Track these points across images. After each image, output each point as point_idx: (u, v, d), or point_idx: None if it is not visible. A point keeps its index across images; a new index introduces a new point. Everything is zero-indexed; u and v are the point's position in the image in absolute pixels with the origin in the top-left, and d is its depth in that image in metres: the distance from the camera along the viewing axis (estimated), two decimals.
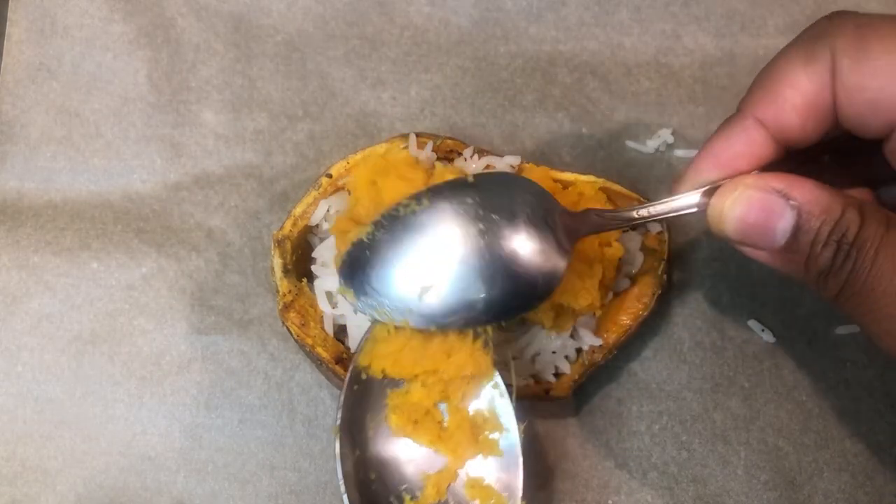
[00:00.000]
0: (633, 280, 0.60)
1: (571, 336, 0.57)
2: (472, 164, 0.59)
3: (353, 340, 0.56)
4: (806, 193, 0.44)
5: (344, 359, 0.56)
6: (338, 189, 0.59)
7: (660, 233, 0.61)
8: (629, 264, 0.60)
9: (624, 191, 0.60)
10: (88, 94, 0.66)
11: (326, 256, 0.58)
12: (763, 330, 0.62)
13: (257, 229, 0.65)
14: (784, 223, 0.44)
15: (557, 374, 0.57)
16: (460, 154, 0.60)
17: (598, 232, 0.51)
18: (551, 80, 0.68)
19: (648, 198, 0.64)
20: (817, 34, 0.46)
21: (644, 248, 0.61)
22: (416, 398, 0.49)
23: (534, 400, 0.57)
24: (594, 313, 0.57)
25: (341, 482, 0.48)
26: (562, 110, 0.67)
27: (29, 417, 0.61)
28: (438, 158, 0.60)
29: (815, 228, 0.44)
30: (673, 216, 0.50)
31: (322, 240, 0.59)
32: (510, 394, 0.50)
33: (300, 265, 0.58)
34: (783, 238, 0.45)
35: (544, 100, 0.68)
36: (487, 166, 0.59)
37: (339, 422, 0.49)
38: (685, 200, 0.49)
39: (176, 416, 0.61)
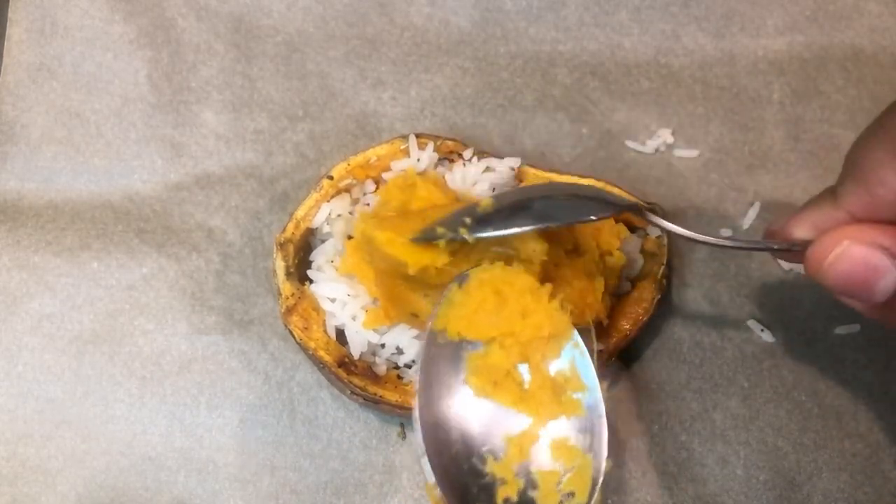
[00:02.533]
0: (634, 283, 0.60)
1: None
2: (472, 168, 0.59)
3: (352, 346, 0.56)
4: None
5: (346, 362, 0.56)
6: (339, 191, 0.59)
7: (659, 237, 0.61)
8: (629, 267, 0.60)
9: (624, 193, 0.60)
10: (89, 94, 0.66)
11: (323, 260, 0.58)
12: (763, 330, 0.62)
13: (258, 229, 0.65)
14: (886, 282, 0.43)
15: None
16: (461, 155, 0.60)
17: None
18: (551, 80, 0.68)
19: (648, 198, 0.64)
20: None
21: (644, 252, 0.61)
22: (495, 360, 0.49)
23: None
24: (602, 322, 0.57)
25: (422, 446, 0.47)
26: (562, 110, 0.67)
27: (29, 417, 0.61)
28: (439, 159, 0.60)
29: None
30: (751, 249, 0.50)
31: (323, 241, 0.59)
32: (591, 354, 0.50)
33: (302, 267, 0.58)
34: (884, 296, 0.43)
35: (544, 100, 0.68)
36: (487, 168, 0.59)
37: (418, 385, 0.48)
38: (769, 243, 0.49)
39: (176, 416, 0.61)
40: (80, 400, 0.61)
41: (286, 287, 0.57)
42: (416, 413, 0.48)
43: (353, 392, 0.56)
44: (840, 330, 0.63)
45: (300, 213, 0.58)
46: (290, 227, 0.58)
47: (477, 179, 0.59)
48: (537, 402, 0.49)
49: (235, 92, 0.67)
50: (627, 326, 0.59)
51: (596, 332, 0.58)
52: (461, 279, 0.50)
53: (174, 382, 0.61)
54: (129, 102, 0.66)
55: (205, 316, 0.63)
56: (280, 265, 0.57)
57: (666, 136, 0.66)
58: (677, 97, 0.68)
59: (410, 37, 0.69)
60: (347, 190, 0.59)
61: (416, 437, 0.48)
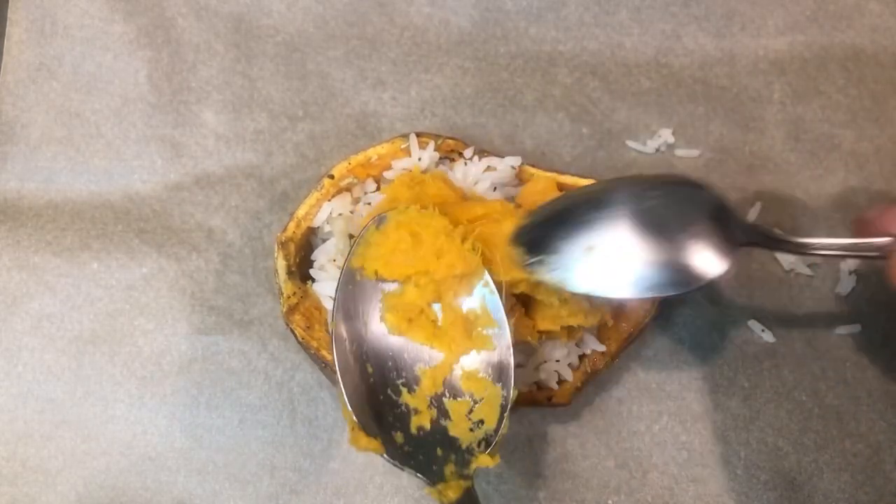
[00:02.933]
0: None
1: (576, 343, 0.57)
2: (473, 167, 0.59)
3: None
4: None
5: None
6: (340, 190, 0.59)
7: None
8: None
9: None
10: (89, 94, 0.66)
11: (324, 259, 0.58)
12: (763, 330, 0.62)
13: (258, 229, 0.65)
14: None
15: (560, 382, 0.57)
16: (461, 154, 0.60)
17: (758, 247, 0.52)
18: (551, 80, 0.68)
19: None
20: None
21: None
22: (409, 298, 0.51)
23: (535, 406, 0.57)
24: (607, 323, 0.57)
25: (337, 377, 0.49)
26: (562, 110, 0.67)
27: (29, 417, 0.61)
28: (440, 158, 0.60)
29: None
30: (837, 256, 0.51)
31: (324, 241, 0.59)
32: (499, 291, 0.51)
33: (303, 267, 0.58)
34: None
35: (544, 100, 0.68)
36: (488, 167, 0.59)
37: (332, 318, 0.51)
38: (859, 245, 0.50)
39: (176, 416, 0.61)
40: (80, 400, 0.61)
41: (288, 286, 0.57)
42: (332, 346, 0.50)
43: None
44: (840, 330, 0.63)
45: (301, 212, 0.58)
46: (291, 226, 0.58)
47: (478, 178, 0.59)
48: (450, 338, 0.51)
49: (235, 92, 0.67)
50: (629, 329, 0.59)
51: (598, 333, 0.58)
52: (379, 220, 0.52)
53: (174, 382, 0.61)
54: (129, 102, 0.66)
55: (205, 316, 0.63)
56: (281, 264, 0.57)
57: (667, 135, 0.66)
58: (678, 97, 0.68)
59: (410, 37, 0.69)
60: (348, 189, 0.59)
61: (335, 366, 0.50)
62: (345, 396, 0.49)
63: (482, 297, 0.51)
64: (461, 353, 0.51)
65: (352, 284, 0.52)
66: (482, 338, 0.51)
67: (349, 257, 0.52)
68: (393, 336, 0.51)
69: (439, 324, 0.51)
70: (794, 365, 0.62)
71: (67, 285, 0.63)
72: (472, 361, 0.51)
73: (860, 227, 0.52)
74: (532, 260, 0.51)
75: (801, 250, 0.51)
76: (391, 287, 0.51)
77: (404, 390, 0.51)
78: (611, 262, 0.49)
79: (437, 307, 0.51)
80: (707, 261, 0.49)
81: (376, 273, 0.51)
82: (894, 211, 0.50)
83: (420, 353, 0.51)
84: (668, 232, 0.49)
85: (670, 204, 0.50)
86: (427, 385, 0.51)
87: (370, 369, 0.51)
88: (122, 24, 0.67)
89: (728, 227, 0.50)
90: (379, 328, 0.51)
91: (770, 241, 0.52)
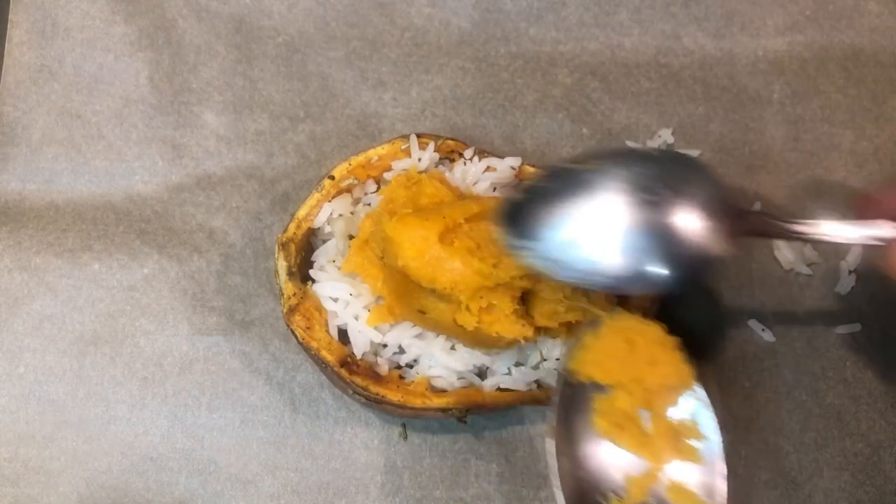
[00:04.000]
0: None
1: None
2: (473, 167, 0.59)
3: (355, 347, 0.56)
4: None
5: (348, 362, 0.56)
6: (340, 191, 0.59)
7: None
8: None
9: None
10: (90, 95, 0.67)
11: (325, 260, 0.58)
12: (763, 330, 0.63)
13: (259, 230, 0.65)
14: None
15: None
16: (461, 155, 0.60)
17: (758, 236, 0.51)
18: (551, 80, 0.68)
19: None
20: None
21: None
22: (620, 404, 0.50)
23: (535, 405, 0.57)
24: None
25: (555, 479, 0.49)
26: (562, 111, 0.68)
27: (31, 418, 0.61)
28: (440, 159, 0.60)
29: None
30: (837, 242, 0.50)
31: (324, 241, 0.59)
32: (714, 405, 0.51)
33: (304, 267, 0.58)
34: None
35: (544, 100, 0.68)
36: (488, 168, 0.59)
37: (554, 423, 0.50)
38: (861, 231, 0.49)
39: (178, 417, 0.61)
40: (81, 401, 0.61)
41: (288, 287, 0.57)
42: (551, 449, 0.49)
43: (354, 392, 0.56)
44: (840, 330, 0.63)
45: (302, 213, 0.58)
46: (292, 226, 0.58)
47: (478, 178, 0.59)
48: (657, 447, 0.50)
49: (236, 93, 0.67)
50: None
51: None
52: (594, 324, 0.52)
53: (175, 383, 0.61)
54: (130, 103, 0.67)
55: (206, 317, 0.63)
56: (282, 265, 0.57)
57: (666, 135, 0.67)
58: (678, 97, 0.68)
59: (411, 37, 0.69)
60: (349, 190, 0.59)
61: (551, 470, 0.49)
62: (561, 499, 0.48)
63: (692, 409, 0.51)
64: (668, 462, 0.50)
65: (567, 387, 0.51)
66: (689, 449, 0.50)
67: (565, 359, 0.52)
68: (602, 441, 0.50)
69: (648, 432, 0.50)
70: (794, 365, 0.62)
71: (69, 286, 0.63)
72: (680, 472, 0.50)
73: (862, 207, 0.51)
74: (517, 244, 0.50)
75: (802, 236, 0.50)
76: (604, 392, 0.51)
77: (613, 496, 0.50)
78: (599, 255, 0.48)
79: (646, 415, 0.51)
80: (702, 254, 0.48)
81: (589, 377, 0.51)
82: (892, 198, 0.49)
83: (629, 460, 0.50)
84: (660, 221, 0.48)
85: (664, 186, 0.49)
86: (635, 493, 0.50)
87: (581, 474, 0.50)
88: (123, 25, 0.67)
89: (728, 215, 0.49)
90: (590, 433, 0.51)
91: (769, 227, 0.50)
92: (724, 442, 0.50)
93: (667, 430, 0.50)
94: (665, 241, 0.48)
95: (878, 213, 0.49)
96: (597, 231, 0.49)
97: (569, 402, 0.51)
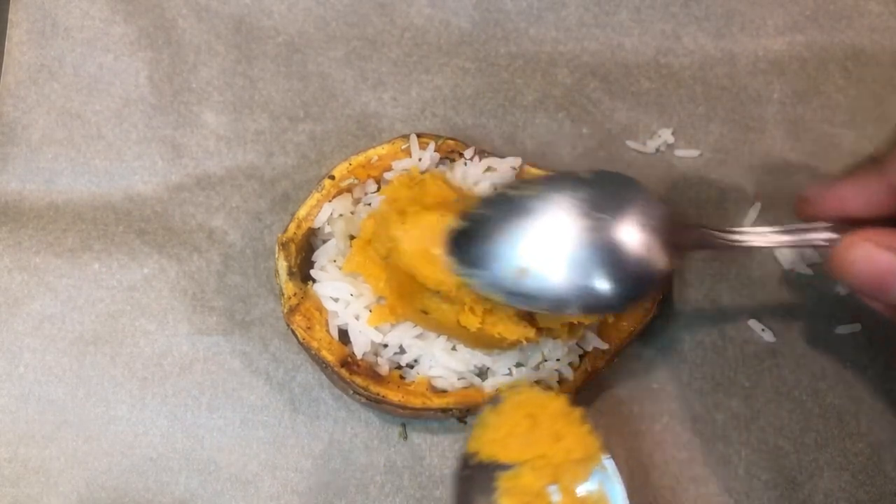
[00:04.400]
0: None
1: (577, 343, 0.57)
2: (473, 167, 0.59)
3: (355, 347, 0.56)
4: None
5: (349, 362, 0.56)
6: (341, 191, 0.59)
7: None
8: None
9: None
10: (90, 95, 0.66)
11: (325, 260, 0.58)
12: (763, 330, 0.63)
13: (259, 230, 0.65)
14: None
15: (560, 381, 0.57)
16: (461, 155, 0.60)
17: (701, 249, 0.52)
18: (551, 80, 0.68)
19: None
20: None
21: None
22: (526, 481, 0.50)
23: None
24: (608, 320, 0.57)
25: None
26: (562, 111, 0.68)
27: (31, 418, 0.61)
28: (440, 159, 0.60)
29: None
30: (783, 246, 0.50)
31: (325, 241, 0.59)
32: (619, 477, 0.51)
33: (304, 267, 0.58)
34: None
35: (544, 100, 0.68)
36: (488, 168, 0.59)
37: None
38: (799, 236, 0.50)
39: (178, 417, 0.61)
40: (81, 401, 0.61)
41: (288, 287, 0.57)
42: None
43: (355, 392, 0.56)
44: (841, 330, 0.63)
45: (302, 212, 0.58)
46: (292, 226, 0.58)
47: (478, 179, 0.59)
48: None
49: (236, 93, 0.67)
50: (630, 327, 0.59)
51: (599, 331, 0.58)
52: (495, 402, 0.52)
53: (175, 383, 0.61)
54: (130, 103, 0.67)
55: (206, 317, 0.63)
56: (282, 265, 0.57)
57: (666, 136, 0.67)
58: (678, 97, 0.68)
59: (411, 37, 0.69)
60: (349, 190, 0.59)
61: None
62: None
63: (600, 482, 0.51)
64: None
65: (467, 469, 0.51)
66: None
67: (466, 441, 0.52)
68: None
69: None
70: (794, 365, 0.62)
71: (69, 286, 0.63)
72: None
73: (801, 208, 0.51)
74: (464, 272, 0.50)
75: (741, 244, 0.50)
76: (507, 471, 0.51)
77: None
78: (545, 279, 0.48)
79: (553, 490, 0.51)
80: (647, 273, 0.48)
81: (492, 457, 0.51)
82: (836, 190, 0.50)
83: None
84: (603, 242, 0.48)
85: (603, 208, 0.49)
86: None
87: None
88: (123, 25, 0.67)
89: (669, 232, 0.49)
90: None
91: (709, 238, 0.50)
92: None
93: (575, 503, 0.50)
94: (609, 261, 0.48)
95: (817, 214, 0.50)
96: (541, 256, 0.48)
97: (469, 486, 0.51)
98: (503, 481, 0.51)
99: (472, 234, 0.50)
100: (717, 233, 0.50)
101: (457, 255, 0.50)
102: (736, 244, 0.50)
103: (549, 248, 0.48)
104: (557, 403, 0.52)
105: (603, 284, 0.48)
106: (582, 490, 0.51)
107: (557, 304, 0.49)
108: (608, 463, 0.51)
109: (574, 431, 0.51)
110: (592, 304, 0.49)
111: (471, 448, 0.52)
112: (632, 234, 0.48)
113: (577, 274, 0.48)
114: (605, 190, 0.49)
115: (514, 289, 0.49)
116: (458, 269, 0.50)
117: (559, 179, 0.51)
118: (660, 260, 0.48)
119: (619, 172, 0.52)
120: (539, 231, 0.49)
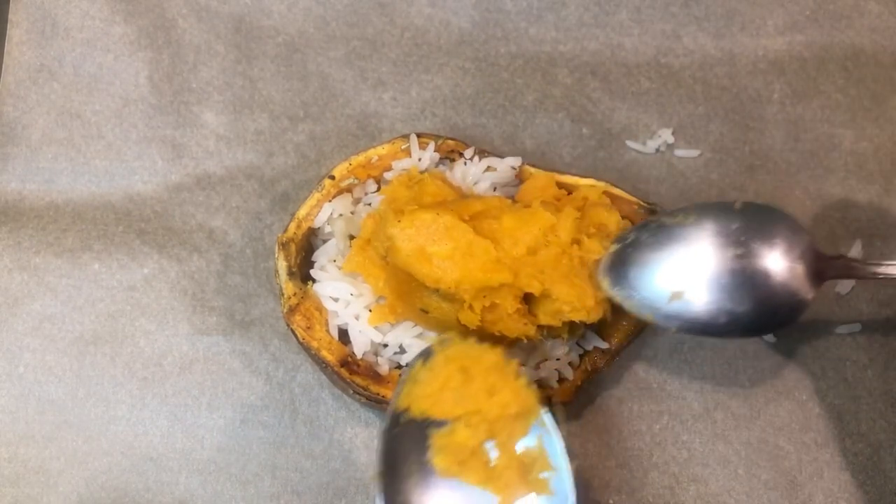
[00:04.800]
0: None
1: (577, 342, 0.57)
2: (473, 167, 0.59)
3: (354, 345, 0.56)
4: None
5: (348, 362, 0.56)
6: (341, 191, 0.59)
7: None
8: None
9: (625, 195, 0.60)
10: (90, 95, 0.66)
11: (325, 260, 0.58)
12: None
13: (259, 230, 0.65)
14: None
15: (560, 380, 0.57)
16: (461, 155, 0.60)
17: (843, 278, 0.53)
18: (551, 80, 0.68)
19: (649, 198, 0.64)
20: None
21: None
22: (461, 438, 0.48)
23: None
24: (606, 319, 0.57)
25: None
26: (562, 111, 0.68)
27: (31, 418, 0.61)
28: (440, 159, 0.60)
29: None
30: None
31: (325, 241, 0.59)
32: (559, 431, 0.50)
33: (304, 267, 0.58)
34: None
35: (545, 100, 0.68)
36: (488, 168, 0.59)
37: (379, 467, 0.48)
38: None
39: (178, 417, 0.61)
40: (81, 401, 0.61)
41: (288, 287, 0.57)
42: (378, 497, 0.47)
43: (355, 392, 0.56)
44: (841, 330, 0.63)
45: (302, 212, 0.58)
46: (292, 226, 0.58)
47: (478, 178, 0.59)
48: (504, 481, 0.48)
49: (236, 93, 0.67)
50: (629, 326, 0.59)
51: (600, 330, 0.58)
52: (425, 355, 0.51)
53: (175, 383, 0.61)
54: (130, 103, 0.67)
55: (206, 317, 0.63)
56: (282, 265, 0.57)
57: (666, 135, 0.67)
58: (678, 97, 0.68)
59: (411, 37, 0.69)
60: (349, 189, 0.59)
61: None
62: None
63: (539, 437, 0.49)
64: (517, 497, 0.48)
65: (396, 427, 0.49)
66: (539, 482, 0.48)
67: (395, 398, 0.50)
68: (443, 480, 0.48)
69: (493, 465, 0.49)
70: (795, 365, 0.62)
71: (69, 286, 0.63)
72: None
73: None
74: (620, 292, 0.52)
75: (881, 275, 0.52)
76: (440, 427, 0.49)
77: None
78: (697, 307, 0.51)
79: (490, 447, 0.49)
80: (792, 301, 0.51)
81: (424, 413, 0.49)
82: None
83: (473, 498, 0.48)
84: (750, 270, 0.51)
85: (751, 238, 0.51)
86: None
87: None
88: (123, 25, 0.67)
89: (813, 261, 0.51)
90: (428, 473, 0.48)
91: (853, 269, 0.52)
92: (572, 470, 0.49)
93: (513, 461, 0.49)
94: (756, 289, 0.51)
95: None
96: (694, 282, 0.51)
97: (398, 444, 0.48)
98: (436, 439, 0.48)
99: (627, 257, 0.53)
100: (859, 264, 0.52)
101: (612, 276, 0.53)
102: (879, 276, 0.52)
103: (702, 275, 0.51)
104: (491, 356, 0.50)
105: (751, 311, 0.51)
106: (520, 446, 0.49)
107: (707, 327, 0.51)
108: (546, 418, 0.50)
109: (510, 385, 0.49)
110: (741, 329, 0.51)
111: (400, 404, 0.49)
112: (779, 263, 0.51)
113: (728, 299, 0.51)
114: (753, 220, 0.52)
115: (668, 310, 0.51)
116: (614, 289, 0.52)
117: (711, 209, 0.53)
118: (804, 288, 0.51)
119: (767, 204, 0.55)
120: (693, 258, 0.52)
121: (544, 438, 0.49)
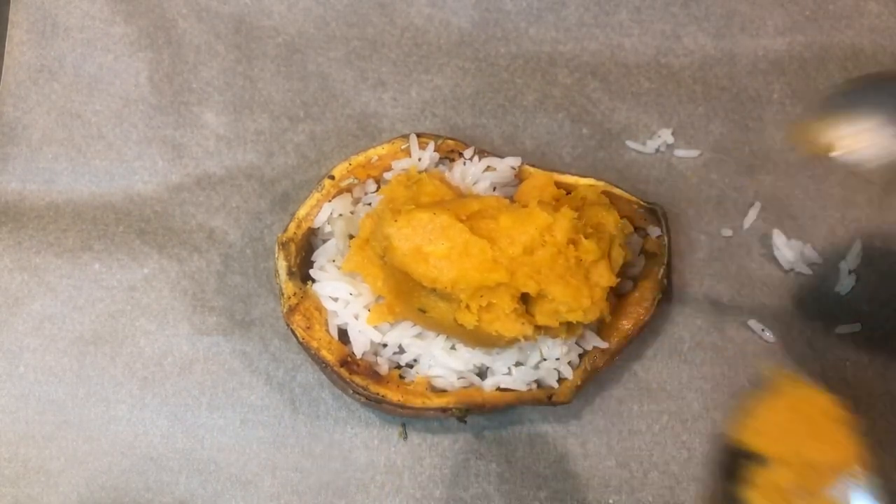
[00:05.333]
0: (635, 283, 0.60)
1: (577, 342, 0.57)
2: (472, 167, 0.59)
3: (355, 346, 0.56)
4: None
5: (348, 362, 0.56)
6: (341, 191, 0.59)
7: (659, 237, 0.61)
8: (630, 266, 0.60)
9: (625, 195, 0.60)
10: (90, 95, 0.67)
11: (325, 260, 0.58)
12: (763, 330, 0.62)
13: (259, 230, 0.65)
14: None
15: (560, 380, 0.57)
16: (461, 155, 0.60)
17: None
18: (551, 80, 0.68)
19: (648, 198, 0.64)
20: None
21: (644, 252, 0.61)
22: (778, 479, 0.49)
23: (535, 405, 0.57)
24: (605, 320, 0.57)
25: None
26: (562, 111, 0.68)
27: (31, 418, 0.61)
28: (440, 159, 0.60)
29: None
30: None
31: (324, 241, 0.59)
32: (873, 491, 0.49)
33: (304, 267, 0.58)
34: None
35: (544, 100, 0.68)
36: (488, 167, 0.59)
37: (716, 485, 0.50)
38: None
39: (178, 417, 0.61)
40: (81, 401, 0.61)
41: (288, 287, 0.57)
42: None
43: (354, 392, 0.56)
44: (840, 330, 0.63)
45: (302, 212, 0.58)
46: (292, 226, 0.58)
47: (478, 178, 0.59)
48: None
49: (236, 93, 0.67)
50: (628, 326, 0.59)
51: (599, 330, 0.58)
52: (761, 385, 0.52)
53: (175, 383, 0.62)
54: (130, 103, 0.67)
55: (206, 317, 0.63)
56: (282, 265, 0.57)
57: (666, 136, 0.67)
58: (678, 97, 0.68)
59: (411, 37, 0.69)
60: (349, 189, 0.59)
61: None
62: None
63: (847, 492, 0.49)
64: None
65: (724, 452, 0.51)
66: None
67: (732, 426, 0.51)
68: None
69: None
70: (795, 365, 0.62)
71: (69, 286, 0.63)
72: None
73: None
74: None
75: None
76: (751, 459, 0.50)
77: None
78: None
79: (802, 492, 0.49)
80: None
81: (752, 446, 0.50)
82: None
83: None
84: None
85: None
86: None
87: None
88: (123, 25, 0.67)
89: None
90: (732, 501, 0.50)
91: None
92: None
93: None
94: None
95: None
96: None
97: (723, 467, 0.50)
98: (756, 474, 0.49)
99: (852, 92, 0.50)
100: None
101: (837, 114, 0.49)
102: None
103: None
104: (824, 401, 0.50)
105: None
106: (831, 496, 0.49)
107: None
108: (861, 475, 0.49)
109: (835, 433, 0.49)
110: None
111: (735, 434, 0.50)
112: None
113: None
114: None
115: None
116: (839, 126, 0.48)
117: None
118: None
119: None
120: None
121: (851, 493, 0.49)
